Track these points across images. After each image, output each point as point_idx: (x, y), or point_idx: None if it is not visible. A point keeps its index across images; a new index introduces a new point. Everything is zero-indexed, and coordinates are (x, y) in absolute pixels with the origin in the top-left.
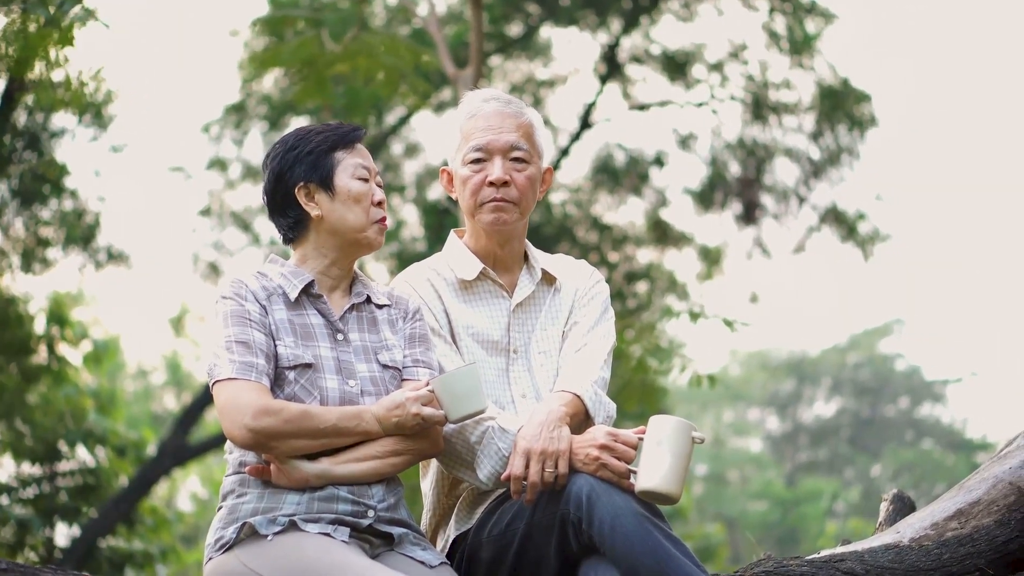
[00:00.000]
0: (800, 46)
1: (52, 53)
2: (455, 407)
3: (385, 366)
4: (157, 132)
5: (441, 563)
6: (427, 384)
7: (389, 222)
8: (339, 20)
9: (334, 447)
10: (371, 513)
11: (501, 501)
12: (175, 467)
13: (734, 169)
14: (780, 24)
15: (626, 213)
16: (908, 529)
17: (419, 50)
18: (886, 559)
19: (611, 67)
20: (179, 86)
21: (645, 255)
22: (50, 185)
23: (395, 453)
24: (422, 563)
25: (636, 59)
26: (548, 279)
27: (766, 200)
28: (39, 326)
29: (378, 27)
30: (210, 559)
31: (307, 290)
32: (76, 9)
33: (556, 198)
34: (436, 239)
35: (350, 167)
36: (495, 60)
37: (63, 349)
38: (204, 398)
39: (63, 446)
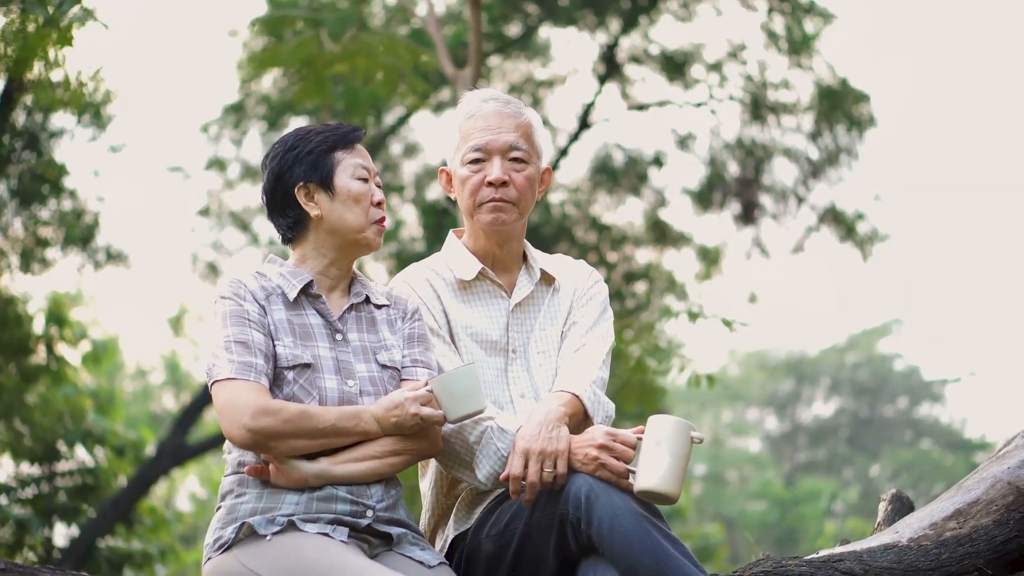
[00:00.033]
0: (799, 46)
1: (51, 53)
2: (454, 407)
3: (384, 366)
4: (156, 132)
5: (440, 563)
6: (426, 384)
7: (388, 222)
8: (338, 20)
9: (333, 447)
10: (370, 513)
11: (500, 501)
12: (174, 467)
13: (733, 169)
14: (779, 24)
15: (625, 213)
16: (907, 529)
17: (418, 50)
18: (885, 559)
19: (610, 67)
20: (178, 86)
21: (644, 255)
22: (49, 185)
23: (394, 453)
24: (421, 563)
25: (635, 59)
26: (547, 279)
27: (765, 200)
28: (38, 326)
29: (377, 27)
30: (209, 559)
31: (306, 290)
32: (75, 9)
33: (555, 198)
34: (435, 239)
35: (350, 167)
36: (494, 60)
37: (62, 349)
38: (203, 398)
39: (62, 446)
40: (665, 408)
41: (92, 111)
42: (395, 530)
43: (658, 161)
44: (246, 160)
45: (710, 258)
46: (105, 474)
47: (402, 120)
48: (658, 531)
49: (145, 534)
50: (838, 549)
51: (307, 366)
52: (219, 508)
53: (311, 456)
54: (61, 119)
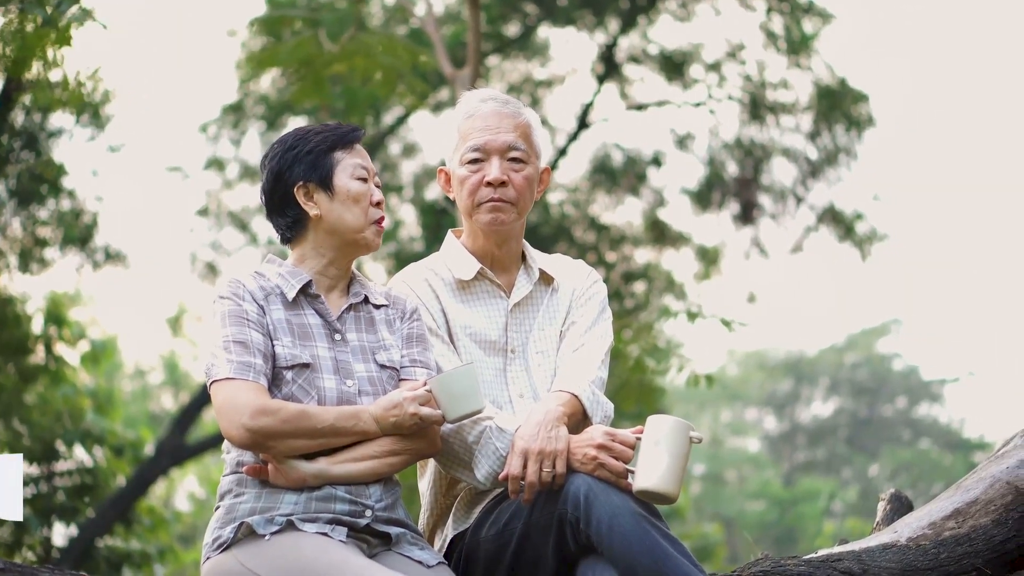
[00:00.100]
0: (798, 46)
1: (50, 53)
2: (453, 407)
3: (383, 366)
4: (155, 132)
5: (439, 563)
6: (425, 384)
7: (387, 222)
8: (337, 20)
9: (332, 447)
10: (369, 513)
11: (499, 501)
12: (173, 467)
13: (732, 169)
14: (778, 24)
15: (624, 213)
16: (906, 529)
17: (417, 50)
18: (884, 559)
19: (609, 67)
20: (177, 86)
21: (643, 255)
22: (48, 185)
23: (393, 453)
24: (420, 563)
25: (634, 59)
26: (546, 279)
27: (764, 200)
28: (37, 326)
29: (376, 27)
30: (208, 559)
31: (305, 290)
32: (73, 9)
33: (554, 198)
34: (433, 239)
35: (349, 167)
36: (493, 60)
37: (61, 349)
38: (202, 398)
39: (61, 446)
40: (664, 408)
41: (91, 111)
42: (394, 530)
43: (657, 161)
44: (245, 160)
45: (709, 258)
46: (104, 474)
47: (401, 120)
48: (657, 531)
49: (144, 534)
50: (837, 549)
51: (306, 366)
52: (218, 508)
53: (310, 456)
54: (60, 119)
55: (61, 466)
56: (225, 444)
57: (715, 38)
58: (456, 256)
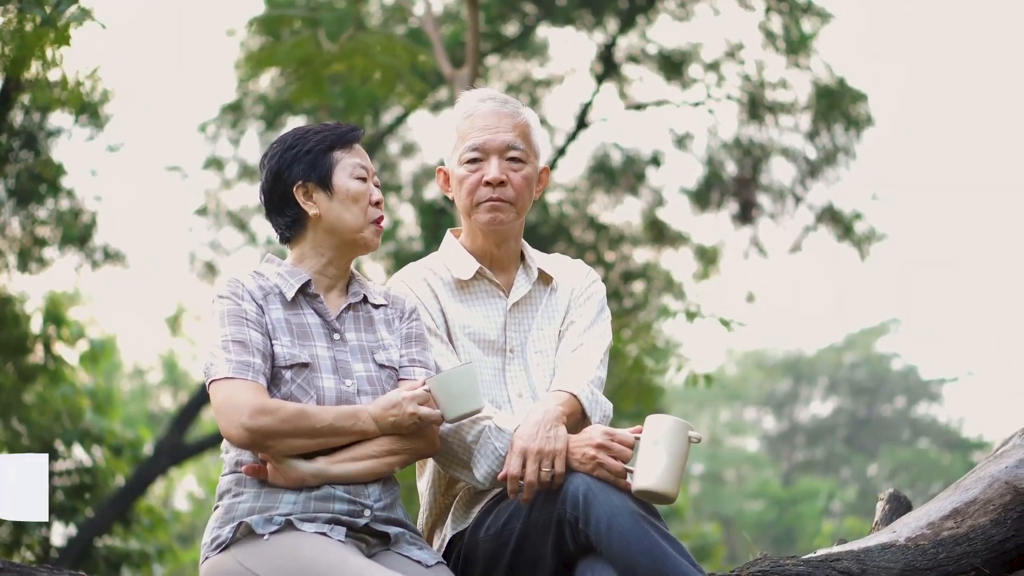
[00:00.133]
0: (796, 46)
1: (48, 52)
2: (451, 406)
3: (382, 366)
4: (154, 131)
5: (437, 562)
6: (423, 383)
7: (386, 222)
8: (335, 20)
9: (330, 446)
10: (367, 512)
11: (498, 500)
12: (171, 466)
13: (730, 169)
14: (776, 24)
15: (622, 213)
16: (904, 528)
17: (415, 50)
18: (882, 558)
19: (607, 67)
20: (176, 85)
21: (641, 255)
22: (46, 184)
23: (391, 453)
24: (418, 562)
25: (632, 59)
26: (544, 279)
27: (762, 200)
28: (35, 325)
29: (374, 27)
30: (206, 558)
31: (304, 289)
32: (72, 8)
33: (552, 198)
34: (432, 239)
35: (348, 167)
36: (491, 60)
37: (59, 348)
38: (201, 397)
39: (59, 445)
40: (663, 408)
41: (90, 110)
42: (393, 529)
43: (656, 160)
44: (244, 159)
45: (708, 258)
46: (103, 473)
47: (400, 120)
48: (656, 530)
49: (143, 533)
50: (836, 548)
51: (305, 365)
52: (217, 507)
53: (309, 455)
54: (59, 118)
55: (60, 466)
56: (224, 444)
57: (714, 38)
58: (455, 256)
